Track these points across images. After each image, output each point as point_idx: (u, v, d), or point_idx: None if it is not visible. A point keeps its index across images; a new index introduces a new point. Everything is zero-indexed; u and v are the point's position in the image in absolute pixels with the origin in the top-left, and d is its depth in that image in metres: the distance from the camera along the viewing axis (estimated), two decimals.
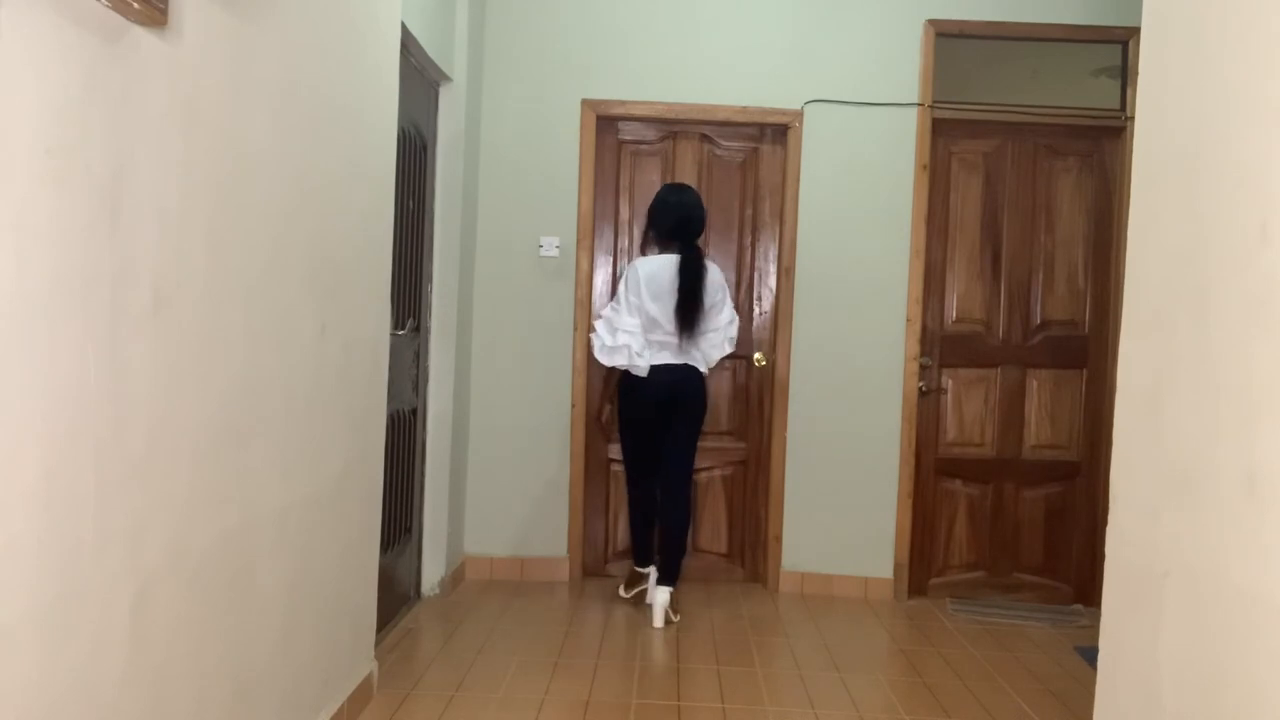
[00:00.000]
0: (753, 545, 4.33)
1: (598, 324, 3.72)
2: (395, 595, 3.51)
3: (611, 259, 4.29)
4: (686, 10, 4.17)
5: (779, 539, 4.21)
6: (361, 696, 2.70)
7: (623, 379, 3.71)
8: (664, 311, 3.62)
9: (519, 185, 4.17)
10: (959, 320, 4.25)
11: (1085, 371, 4.25)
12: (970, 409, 4.26)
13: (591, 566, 4.30)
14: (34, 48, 1.26)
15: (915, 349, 4.16)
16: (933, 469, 4.24)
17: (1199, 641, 1.51)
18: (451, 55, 3.79)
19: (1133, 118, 3.36)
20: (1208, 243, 1.54)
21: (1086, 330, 4.25)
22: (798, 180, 4.17)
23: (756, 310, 4.30)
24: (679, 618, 3.71)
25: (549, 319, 4.18)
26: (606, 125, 4.22)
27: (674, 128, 4.25)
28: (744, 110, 4.17)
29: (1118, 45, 4.18)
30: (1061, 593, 4.24)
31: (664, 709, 2.85)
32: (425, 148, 3.70)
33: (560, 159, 4.17)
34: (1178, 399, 1.60)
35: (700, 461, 4.08)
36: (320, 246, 2.28)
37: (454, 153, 3.84)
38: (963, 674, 3.27)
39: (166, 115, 1.58)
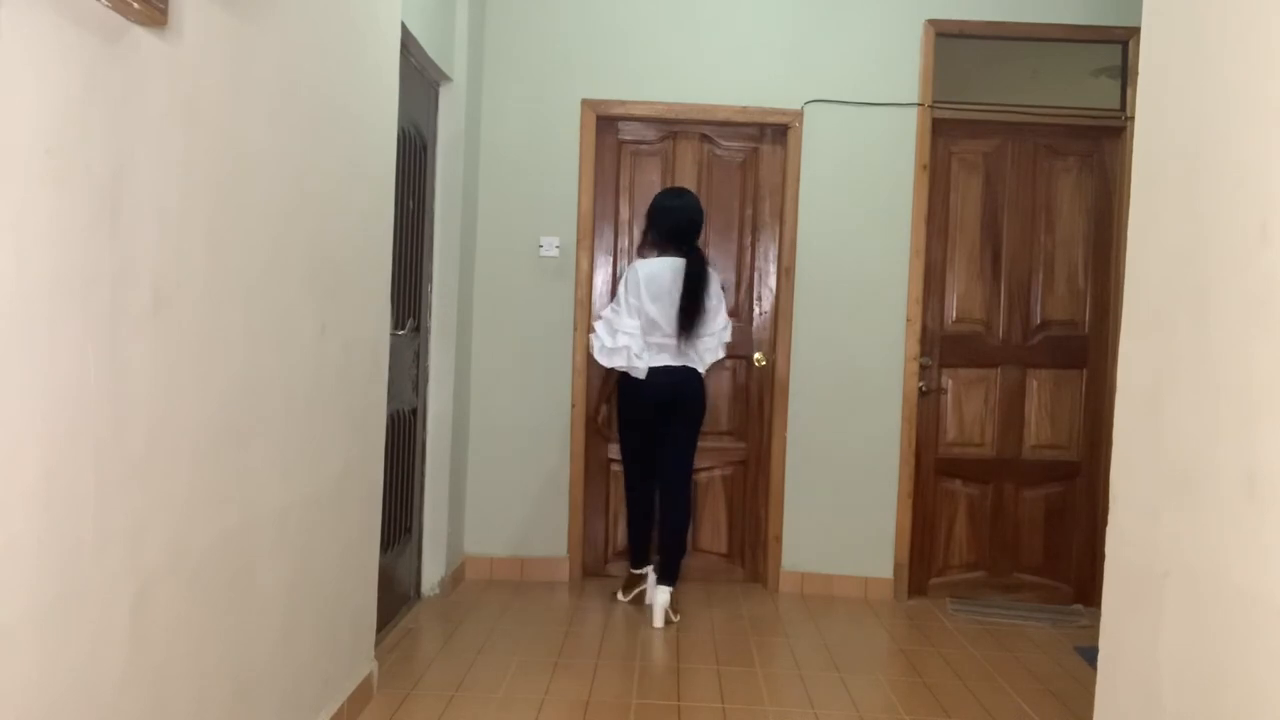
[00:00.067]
0: (753, 545, 4.33)
1: (597, 325, 3.72)
2: (395, 595, 3.51)
3: (611, 259, 4.29)
4: (686, 10, 4.17)
5: (779, 539, 4.21)
6: (361, 696, 2.70)
7: (621, 380, 3.72)
8: (663, 313, 3.63)
9: (519, 185, 4.17)
10: (959, 320, 4.25)
11: (1085, 371, 4.25)
12: (970, 409, 4.26)
13: (591, 566, 4.30)
14: (34, 48, 1.26)
15: (915, 349, 4.16)
16: (933, 469, 4.24)
17: (1199, 641, 1.51)
18: (451, 55, 3.79)
19: (1133, 118, 3.35)
20: (1208, 243, 1.54)
21: (1086, 330, 4.25)
22: (798, 180, 4.17)
23: (756, 310, 4.30)
24: (679, 618, 3.71)
25: (549, 319, 4.18)
26: (606, 125, 4.22)
27: (674, 128, 4.25)
28: (744, 110, 4.17)
29: (1118, 45, 4.18)
30: (1061, 593, 4.24)
31: (664, 709, 2.85)
32: (425, 148, 3.70)
33: (560, 159, 4.17)
34: (1178, 399, 1.60)
35: (700, 461, 4.08)
36: (320, 246, 2.28)
37: (454, 153, 3.84)
38: (963, 674, 3.27)
39: (166, 115, 1.58)
